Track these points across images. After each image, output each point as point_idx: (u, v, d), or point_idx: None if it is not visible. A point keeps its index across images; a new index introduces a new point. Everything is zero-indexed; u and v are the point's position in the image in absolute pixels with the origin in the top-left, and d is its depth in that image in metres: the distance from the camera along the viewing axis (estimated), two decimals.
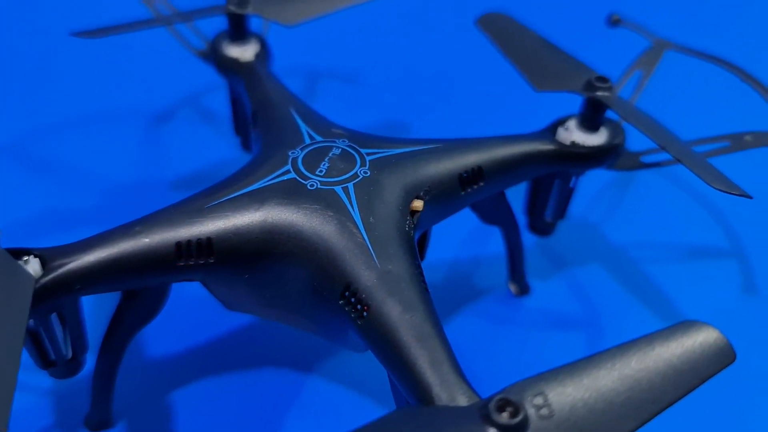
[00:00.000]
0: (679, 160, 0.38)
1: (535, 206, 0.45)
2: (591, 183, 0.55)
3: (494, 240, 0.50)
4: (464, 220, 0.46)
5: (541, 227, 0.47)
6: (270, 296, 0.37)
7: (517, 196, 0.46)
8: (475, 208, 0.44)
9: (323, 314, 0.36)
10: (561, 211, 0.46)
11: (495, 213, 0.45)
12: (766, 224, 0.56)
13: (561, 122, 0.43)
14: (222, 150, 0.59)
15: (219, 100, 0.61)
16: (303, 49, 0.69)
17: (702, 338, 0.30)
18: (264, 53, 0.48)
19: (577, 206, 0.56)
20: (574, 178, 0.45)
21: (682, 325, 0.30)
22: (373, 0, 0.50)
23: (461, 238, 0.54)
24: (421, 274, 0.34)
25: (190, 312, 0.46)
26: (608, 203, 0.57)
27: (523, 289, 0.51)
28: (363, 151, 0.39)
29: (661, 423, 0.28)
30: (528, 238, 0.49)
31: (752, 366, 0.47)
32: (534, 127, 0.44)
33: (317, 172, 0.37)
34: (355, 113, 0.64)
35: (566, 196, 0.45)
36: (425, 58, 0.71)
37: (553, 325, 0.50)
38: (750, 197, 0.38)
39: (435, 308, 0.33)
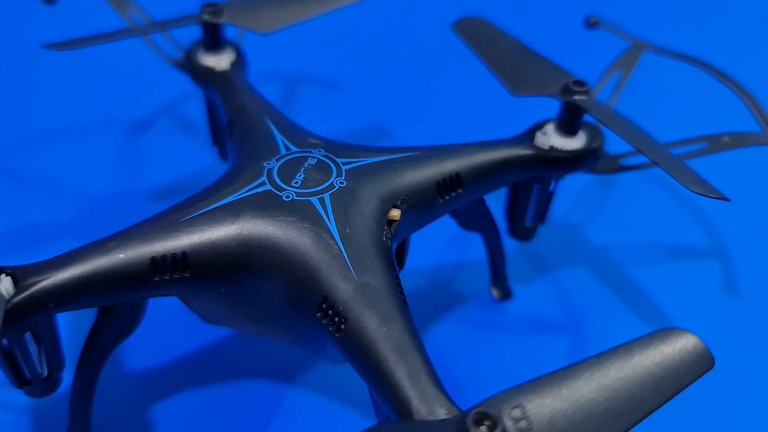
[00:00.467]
0: (656, 164, 0.38)
1: (514, 211, 0.45)
2: (572, 185, 0.55)
3: (476, 245, 0.50)
4: (445, 226, 0.46)
5: (522, 232, 0.46)
6: (248, 309, 0.37)
7: (497, 200, 0.46)
8: (454, 214, 0.43)
9: (301, 327, 0.35)
10: (541, 216, 0.46)
11: (474, 219, 0.45)
12: (747, 224, 0.56)
13: (539, 126, 0.43)
14: (201, 159, 0.59)
15: (197, 108, 0.61)
16: (282, 56, 0.68)
17: (681, 345, 0.29)
18: (240, 62, 0.48)
19: (558, 209, 0.56)
20: (553, 182, 0.45)
21: (661, 332, 0.30)
22: (346, 6, 0.49)
23: (443, 244, 0.53)
24: (398, 285, 0.34)
25: (169, 324, 0.46)
26: (590, 205, 0.57)
27: (506, 294, 0.51)
28: (339, 160, 0.38)
29: (642, 425, 0.28)
30: (510, 243, 0.49)
31: (734, 366, 0.47)
32: (516, 131, 0.44)
33: (293, 184, 0.37)
34: (335, 120, 0.64)
35: (546, 200, 0.45)
36: (405, 63, 0.70)
37: (536, 329, 0.50)
38: (727, 200, 0.38)
39: (413, 320, 0.33)
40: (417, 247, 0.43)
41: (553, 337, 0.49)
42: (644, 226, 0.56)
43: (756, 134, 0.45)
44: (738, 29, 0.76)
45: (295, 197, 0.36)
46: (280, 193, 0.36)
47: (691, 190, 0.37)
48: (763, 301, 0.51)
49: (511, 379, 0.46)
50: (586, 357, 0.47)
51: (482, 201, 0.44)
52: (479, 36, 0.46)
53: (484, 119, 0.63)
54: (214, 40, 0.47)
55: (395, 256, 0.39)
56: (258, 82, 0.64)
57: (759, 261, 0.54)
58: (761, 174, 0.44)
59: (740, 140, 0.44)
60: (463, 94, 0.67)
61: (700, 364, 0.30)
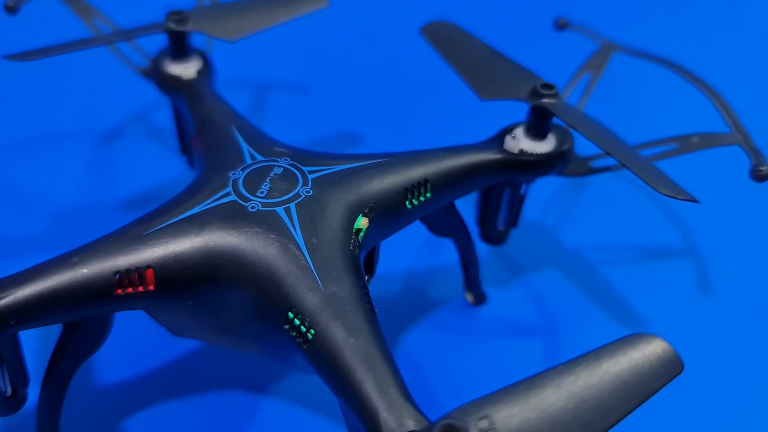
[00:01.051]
0: (625, 166, 0.38)
1: (486, 216, 0.45)
2: (545, 187, 0.54)
3: (449, 249, 0.49)
4: (418, 230, 0.45)
5: (494, 236, 0.46)
6: (215, 321, 0.36)
7: (468, 204, 0.46)
8: (424, 220, 0.43)
9: (269, 338, 0.35)
10: (513, 220, 0.46)
11: (445, 225, 0.44)
12: (720, 223, 0.56)
13: (508, 130, 0.43)
14: (172, 167, 0.58)
15: (168, 116, 0.60)
16: (253, 62, 0.68)
17: (650, 350, 0.29)
18: (207, 70, 0.47)
19: (531, 211, 0.56)
20: (524, 186, 0.44)
21: (630, 337, 0.30)
22: (311, 12, 0.49)
23: (415, 249, 0.53)
24: (366, 294, 0.34)
25: (138, 335, 0.45)
26: (563, 207, 0.57)
27: (480, 298, 0.50)
28: (305, 169, 0.38)
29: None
30: (483, 246, 0.49)
31: (708, 364, 0.48)
32: (490, 134, 0.44)
33: (258, 194, 0.36)
34: (306, 125, 0.64)
35: (517, 204, 0.45)
36: (375, 68, 0.70)
37: (510, 333, 0.50)
38: (697, 201, 0.38)
39: (381, 329, 0.33)
40: (389, 252, 0.43)
41: (528, 340, 0.49)
42: (617, 227, 0.56)
43: (724, 134, 0.45)
44: (706, 29, 0.76)
45: (260, 208, 0.35)
46: (245, 204, 0.36)
47: (661, 193, 0.37)
48: (737, 300, 0.52)
49: (486, 384, 0.46)
50: (561, 360, 0.47)
51: (452, 206, 0.44)
52: (447, 40, 0.46)
53: (456, 123, 0.63)
54: (180, 48, 0.46)
55: (365, 264, 0.39)
56: (229, 89, 0.64)
57: (732, 260, 0.54)
58: (733, 172, 0.44)
59: (709, 141, 0.44)
60: (435, 98, 0.67)
61: (670, 369, 0.29)
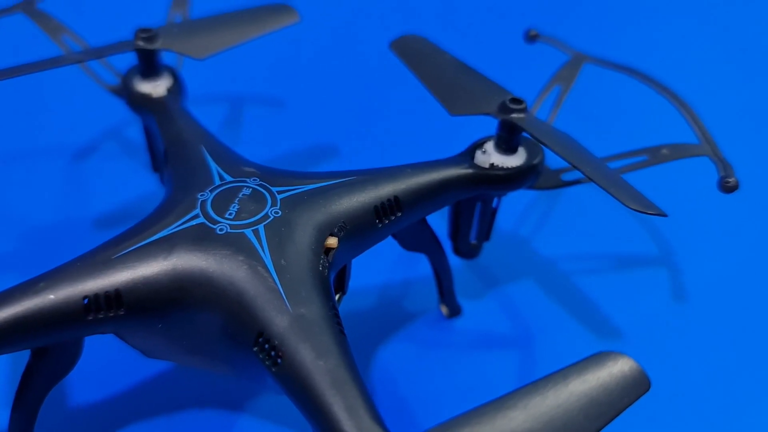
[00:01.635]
0: (593, 180, 0.38)
1: (458, 230, 0.45)
2: (518, 198, 0.54)
3: (423, 262, 0.49)
4: (392, 243, 0.45)
5: (466, 250, 0.46)
6: (186, 344, 0.36)
7: (441, 217, 0.46)
8: (396, 236, 0.43)
9: (241, 360, 0.35)
10: (486, 233, 0.46)
11: (416, 240, 0.44)
12: (694, 231, 0.56)
13: (479, 145, 0.43)
14: (148, 183, 0.58)
15: (142, 131, 0.60)
16: (227, 76, 0.68)
17: (617, 369, 0.29)
18: (177, 87, 0.47)
19: (505, 222, 0.56)
20: (496, 199, 0.44)
21: (597, 356, 0.30)
22: (280, 28, 0.49)
23: (390, 262, 0.53)
24: (336, 315, 0.34)
25: (110, 356, 0.45)
26: (537, 218, 0.57)
27: (454, 311, 0.50)
28: (274, 189, 0.38)
29: None
30: (457, 258, 0.49)
31: (684, 371, 0.48)
32: (465, 146, 0.44)
33: (227, 215, 0.36)
34: (282, 138, 0.63)
35: (489, 217, 0.45)
36: (350, 82, 0.70)
37: (485, 345, 0.50)
38: (665, 215, 0.38)
39: (351, 350, 0.33)
40: (364, 265, 0.43)
41: (503, 352, 0.49)
42: (591, 236, 0.56)
43: (693, 145, 0.45)
44: (677, 40, 0.76)
45: (228, 230, 0.35)
46: (213, 226, 0.36)
47: (629, 207, 0.37)
48: (711, 308, 0.52)
49: (462, 397, 0.46)
50: (536, 372, 0.48)
51: (424, 221, 0.44)
52: (416, 54, 0.46)
53: (431, 136, 0.63)
54: (149, 66, 0.46)
55: (336, 281, 0.39)
56: (202, 103, 0.64)
57: (706, 268, 0.54)
58: (707, 180, 0.44)
59: (678, 152, 0.44)
60: (410, 111, 0.67)
61: (637, 387, 0.30)
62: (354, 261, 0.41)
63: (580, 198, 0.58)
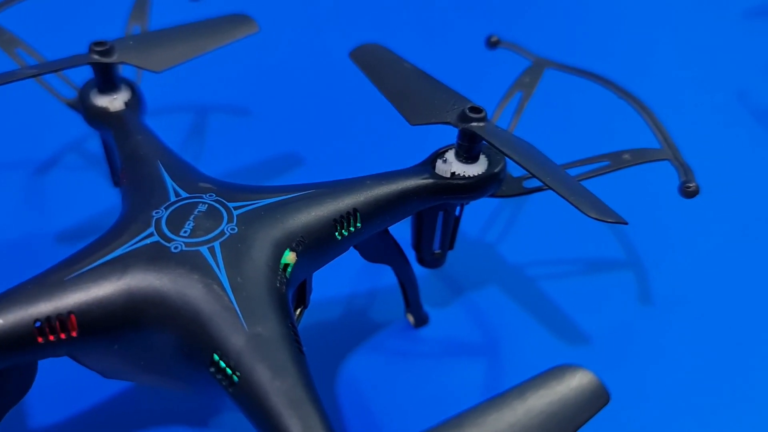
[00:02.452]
0: (552, 189, 0.38)
1: (421, 240, 0.45)
2: (484, 204, 0.54)
3: (389, 271, 0.49)
4: (357, 253, 0.45)
5: (430, 260, 0.46)
6: (144, 364, 0.36)
7: (404, 226, 0.45)
8: (358, 247, 0.43)
9: (199, 380, 0.34)
10: (449, 242, 0.45)
11: (378, 252, 0.44)
12: (658, 233, 0.57)
13: (440, 154, 0.43)
14: (112, 196, 0.57)
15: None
16: (191, 85, 0.67)
17: (575, 383, 0.29)
18: (135, 101, 0.46)
19: (471, 228, 0.56)
20: (458, 207, 0.44)
21: (555, 370, 0.30)
22: (238, 40, 0.48)
23: (355, 271, 0.53)
24: (294, 332, 0.33)
25: (70, 375, 0.44)
26: (502, 223, 0.57)
27: (421, 320, 0.50)
28: (230, 205, 0.37)
29: None
30: (422, 267, 0.49)
31: (652, 374, 0.48)
32: (434, 150, 0.43)
33: (182, 233, 0.36)
34: (247, 147, 0.63)
35: (452, 226, 0.45)
36: (316, 90, 0.69)
37: (452, 354, 0.49)
38: (625, 223, 0.38)
39: (309, 369, 0.33)
40: (329, 276, 0.43)
41: (470, 360, 0.49)
42: (558, 241, 0.56)
43: (655, 150, 0.45)
44: (638, 45, 0.76)
45: (183, 248, 0.35)
46: (168, 245, 0.35)
47: (588, 215, 0.37)
48: (678, 309, 0.52)
49: (429, 407, 0.46)
50: (502, 380, 0.48)
51: (386, 232, 0.43)
52: (376, 64, 0.45)
53: (398, 144, 0.63)
54: (106, 80, 0.45)
55: (297, 295, 0.39)
56: (167, 113, 0.63)
57: (672, 270, 0.54)
58: (671, 184, 0.44)
59: (640, 157, 0.44)
60: (376, 119, 0.66)
61: (596, 401, 0.29)
62: (318, 271, 0.41)
63: (546, 203, 0.58)
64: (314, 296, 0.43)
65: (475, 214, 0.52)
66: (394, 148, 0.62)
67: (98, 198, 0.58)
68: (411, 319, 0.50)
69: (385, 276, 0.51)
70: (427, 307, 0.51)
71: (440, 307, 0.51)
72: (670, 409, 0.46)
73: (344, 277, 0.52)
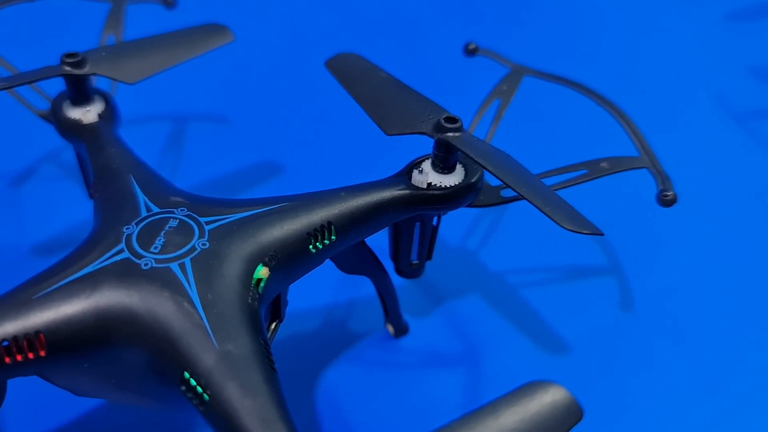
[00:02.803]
0: (528, 200, 0.38)
1: (398, 251, 0.44)
2: (463, 211, 0.54)
3: (369, 280, 0.49)
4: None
5: (408, 270, 0.46)
6: (115, 382, 0.35)
7: (381, 236, 0.45)
8: (334, 260, 0.42)
9: (171, 397, 0.34)
10: (427, 252, 0.45)
11: (355, 264, 0.44)
12: (639, 240, 0.56)
13: (416, 164, 0.42)
14: (90, 209, 0.56)
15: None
16: (169, 93, 0.66)
17: (548, 399, 0.29)
18: (109, 113, 0.46)
19: (452, 237, 0.55)
20: (435, 218, 0.44)
21: (528, 387, 0.29)
22: (212, 50, 0.48)
23: (335, 281, 0.52)
24: (266, 349, 0.33)
25: (39, 393, 0.43)
26: (482, 231, 0.57)
27: (401, 330, 0.50)
28: (202, 219, 0.37)
29: None
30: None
31: (632, 381, 0.48)
32: (414, 156, 0.43)
33: (152, 249, 0.35)
34: (226, 155, 0.62)
35: (430, 236, 0.44)
36: (294, 96, 0.69)
37: (432, 364, 0.49)
38: (601, 234, 0.37)
39: (281, 386, 0.32)
40: (307, 286, 0.42)
41: (450, 370, 0.49)
42: (538, 249, 0.56)
43: (633, 158, 0.45)
44: (619, 49, 0.76)
45: (154, 264, 0.34)
46: (138, 261, 0.35)
47: (564, 227, 0.37)
48: (659, 316, 0.52)
49: (409, 419, 0.46)
50: (482, 390, 0.47)
51: (363, 244, 0.43)
52: (352, 73, 0.45)
53: (378, 152, 0.62)
54: (78, 92, 0.45)
55: (271, 309, 0.38)
56: (145, 121, 0.63)
57: (652, 277, 0.54)
58: (652, 190, 0.44)
59: (618, 165, 0.44)
60: (357, 126, 0.66)
61: (569, 417, 0.29)
62: (297, 282, 0.40)
63: (526, 211, 0.57)
64: (292, 307, 0.42)
65: (454, 221, 0.52)
66: (374, 157, 0.61)
67: (75, 209, 0.57)
68: (390, 329, 0.50)
69: (364, 286, 0.51)
70: (406, 317, 0.50)
71: (420, 316, 0.51)
72: (650, 417, 0.46)
73: (322, 287, 0.51)
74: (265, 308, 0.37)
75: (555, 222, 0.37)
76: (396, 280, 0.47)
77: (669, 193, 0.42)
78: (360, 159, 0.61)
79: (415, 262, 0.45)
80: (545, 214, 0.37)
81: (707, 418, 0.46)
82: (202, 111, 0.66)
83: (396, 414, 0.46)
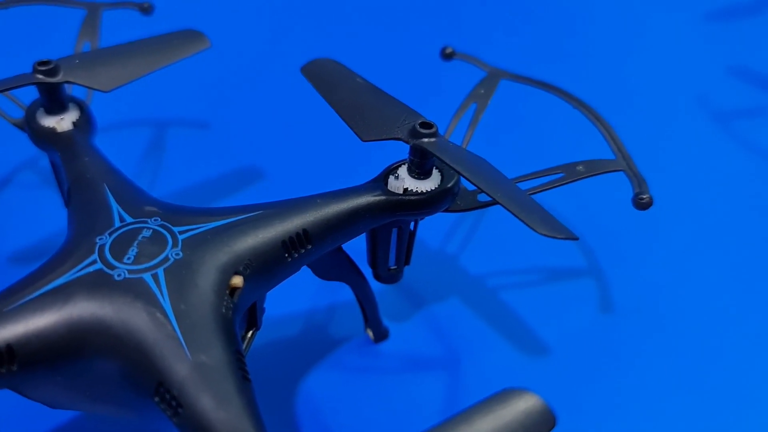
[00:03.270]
0: (502, 205, 0.38)
1: (376, 257, 0.44)
2: (442, 215, 0.54)
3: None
4: None
5: (386, 276, 0.45)
6: (90, 393, 0.35)
7: (359, 241, 0.45)
8: (311, 266, 0.42)
9: (145, 409, 0.34)
10: (405, 258, 0.45)
11: (333, 270, 0.44)
12: (618, 241, 0.56)
13: (392, 169, 0.42)
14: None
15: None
16: (149, 98, 0.66)
17: (522, 406, 0.29)
18: (84, 120, 0.45)
19: (432, 240, 0.55)
20: (413, 223, 0.44)
21: (501, 394, 0.29)
22: (188, 56, 0.48)
23: (314, 286, 0.52)
24: (240, 359, 0.33)
25: (14, 405, 0.43)
26: (462, 234, 0.57)
27: (381, 335, 0.50)
28: (176, 229, 0.37)
29: None
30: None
31: (613, 382, 0.48)
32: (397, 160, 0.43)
33: (125, 260, 0.35)
34: (207, 161, 0.62)
35: (407, 241, 0.44)
36: (275, 100, 0.69)
37: (412, 369, 0.49)
38: (576, 239, 0.37)
39: (255, 396, 0.32)
40: (286, 292, 0.42)
41: (430, 375, 0.49)
42: (518, 251, 0.56)
43: (609, 161, 0.45)
44: (597, 49, 0.76)
45: (127, 275, 0.34)
46: (111, 272, 0.34)
47: (538, 232, 0.37)
48: (638, 317, 0.52)
49: (389, 424, 0.46)
50: (463, 395, 0.47)
51: (340, 250, 0.43)
52: (327, 78, 0.45)
53: (359, 156, 0.62)
54: (52, 100, 0.44)
55: (247, 318, 0.38)
56: (124, 128, 0.63)
57: (631, 278, 0.54)
58: (629, 190, 0.44)
59: (594, 168, 0.44)
60: (338, 130, 0.65)
61: (543, 424, 0.29)
62: (276, 287, 0.40)
63: (505, 214, 0.57)
64: (270, 313, 0.42)
65: (434, 225, 0.52)
66: (355, 162, 0.61)
67: (54, 217, 0.56)
68: (370, 333, 0.50)
69: (344, 290, 0.51)
70: (387, 321, 0.50)
71: (400, 320, 0.51)
72: (632, 418, 0.46)
73: (301, 292, 0.51)
74: (240, 317, 0.36)
75: (529, 227, 0.37)
76: (375, 284, 0.47)
77: (645, 197, 0.42)
78: (342, 164, 0.61)
79: (393, 267, 0.45)
80: (519, 219, 0.37)
81: (689, 417, 0.46)
82: (181, 117, 0.66)
83: (376, 419, 0.46)
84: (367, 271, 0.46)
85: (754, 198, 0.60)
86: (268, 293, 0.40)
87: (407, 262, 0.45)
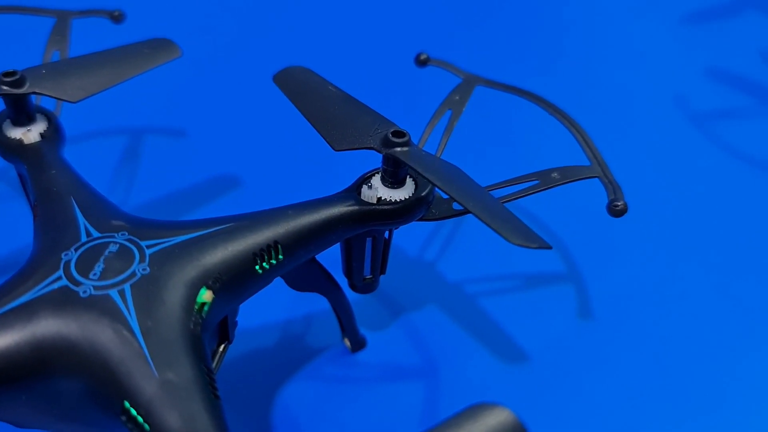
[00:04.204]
0: (475, 215, 0.37)
1: (351, 267, 0.44)
2: (418, 223, 0.54)
3: None
4: None
5: (362, 286, 0.45)
6: (57, 412, 0.34)
7: (333, 250, 0.44)
8: (284, 278, 0.42)
9: (114, 428, 0.33)
10: (381, 267, 0.45)
11: (307, 281, 0.43)
12: (596, 247, 0.56)
13: (366, 179, 0.42)
14: None
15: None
16: (125, 107, 0.65)
17: (493, 422, 0.29)
18: (52, 131, 0.45)
19: (409, 247, 0.55)
20: (387, 232, 0.43)
21: (472, 409, 0.29)
22: (160, 65, 0.47)
23: (291, 296, 0.51)
24: (208, 376, 0.32)
25: None
26: (440, 241, 0.56)
27: (358, 344, 0.49)
28: (143, 243, 0.36)
29: None
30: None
31: (592, 387, 0.48)
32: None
33: (91, 276, 0.34)
34: (184, 169, 0.62)
35: (382, 250, 0.44)
36: (252, 108, 0.68)
37: (390, 378, 0.49)
38: (549, 248, 0.37)
39: (224, 414, 0.32)
40: (262, 302, 0.42)
41: (408, 384, 0.48)
42: (496, 258, 0.55)
43: (584, 167, 0.45)
44: (573, 51, 0.76)
45: (92, 292, 0.34)
46: (76, 289, 0.34)
47: (511, 242, 0.36)
48: (617, 323, 0.52)
49: None
50: (440, 404, 0.47)
51: (313, 261, 0.42)
52: (300, 87, 0.44)
53: (338, 165, 0.61)
54: (18, 111, 0.44)
55: (219, 331, 0.38)
56: (98, 137, 0.62)
57: (610, 284, 0.54)
58: (605, 196, 0.43)
59: (569, 175, 0.44)
60: (315, 139, 0.65)
61: None
62: (252, 297, 0.40)
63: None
64: (245, 323, 0.42)
65: (410, 233, 0.51)
66: (331, 171, 0.61)
67: (25, 229, 0.56)
68: (347, 343, 0.49)
69: (320, 300, 0.50)
70: (364, 330, 0.50)
71: (378, 329, 0.51)
72: (611, 423, 0.46)
73: (276, 302, 0.51)
74: (211, 332, 0.36)
75: (502, 237, 0.36)
76: (352, 293, 0.46)
77: (619, 203, 0.42)
78: (316, 172, 0.60)
79: (368, 276, 0.44)
80: (492, 228, 0.37)
81: (667, 422, 0.46)
82: (153, 126, 0.65)
83: (354, 430, 0.46)
84: (342, 281, 0.45)
85: (732, 200, 0.60)
86: (242, 304, 0.40)
87: (383, 271, 0.45)
